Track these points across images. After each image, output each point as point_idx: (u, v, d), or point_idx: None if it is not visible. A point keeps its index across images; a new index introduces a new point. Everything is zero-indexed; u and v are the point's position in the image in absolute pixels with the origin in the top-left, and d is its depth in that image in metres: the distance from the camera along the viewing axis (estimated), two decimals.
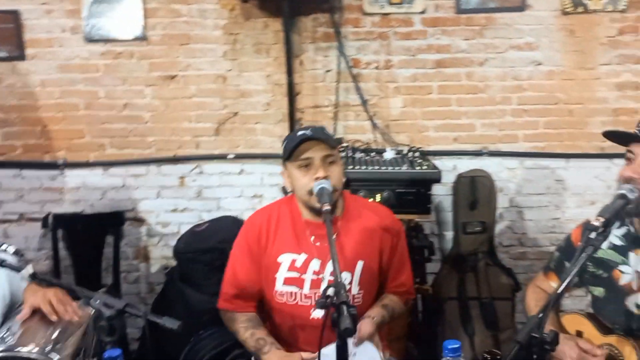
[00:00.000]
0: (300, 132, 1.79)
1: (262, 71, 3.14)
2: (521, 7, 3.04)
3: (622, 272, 1.61)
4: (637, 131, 1.50)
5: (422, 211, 2.63)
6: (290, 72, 3.04)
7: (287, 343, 1.86)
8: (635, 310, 1.56)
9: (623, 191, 1.45)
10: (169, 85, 3.16)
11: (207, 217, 3.18)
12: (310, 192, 1.73)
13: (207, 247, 2.77)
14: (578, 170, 3.21)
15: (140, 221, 3.27)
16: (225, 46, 3.13)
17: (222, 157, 3.21)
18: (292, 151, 1.77)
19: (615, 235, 1.63)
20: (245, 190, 3.25)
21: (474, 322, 2.95)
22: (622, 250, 1.62)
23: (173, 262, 3.02)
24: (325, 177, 1.72)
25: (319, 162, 1.75)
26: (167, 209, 3.27)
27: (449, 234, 3.17)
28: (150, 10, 3.09)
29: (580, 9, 3.01)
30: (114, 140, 3.20)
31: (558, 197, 3.25)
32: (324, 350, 1.36)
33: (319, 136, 1.75)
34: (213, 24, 3.12)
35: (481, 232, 3.02)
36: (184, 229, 3.10)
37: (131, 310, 1.40)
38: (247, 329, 1.84)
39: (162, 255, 3.30)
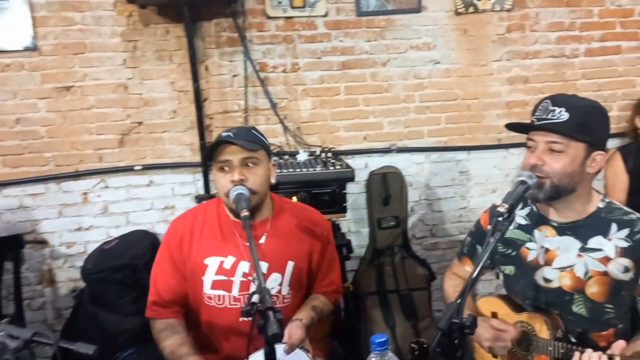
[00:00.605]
0: (224, 133, 1.76)
1: (165, 78, 3.03)
2: (417, 9, 3.17)
3: (528, 249, 1.71)
4: (534, 120, 1.60)
5: (339, 210, 2.67)
6: (195, 78, 2.96)
7: (216, 348, 1.82)
8: (542, 283, 1.67)
9: (523, 178, 1.54)
10: (65, 97, 2.98)
11: (115, 233, 3.03)
12: (227, 195, 1.70)
13: (118, 264, 2.65)
14: (478, 161, 3.40)
15: (41, 243, 3.05)
16: (125, 54, 2.99)
17: (128, 170, 3.08)
18: (210, 153, 1.75)
19: (520, 216, 1.73)
20: (155, 203, 3.13)
21: (394, 315, 3.04)
22: (527, 229, 1.72)
23: (82, 284, 2.85)
24: (240, 180, 1.69)
25: (238, 165, 1.73)
26: (70, 228, 3.07)
27: (365, 231, 3.24)
28: (40, 19, 2.88)
29: (471, 9, 3.19)
30: (7, 158, 2.96)
31: (463, 188, 3.42)
32: (252, 357, 1.33)
33: (235, 140, 1.72)
34: (110, 32, 2.97)
35: (395, 227, 3.11)
36: (92, 247, 2.95)
37: (40, 339, 1.30)
38: (164, 338, 1.78)
39: (68, 277, 3.10)
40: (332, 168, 2.68)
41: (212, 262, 1.80)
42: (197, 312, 1.85)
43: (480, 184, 3.42)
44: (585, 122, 1.54)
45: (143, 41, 2.99)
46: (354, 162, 3.14)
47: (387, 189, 3.10)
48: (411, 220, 3.35)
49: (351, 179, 2.67)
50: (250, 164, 1.74)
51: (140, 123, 3.06)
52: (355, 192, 3.25)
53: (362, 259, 3.18)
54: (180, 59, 3.02)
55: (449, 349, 1.21)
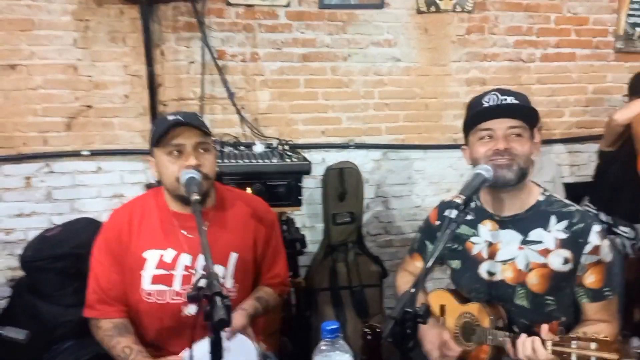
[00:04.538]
0: (171, 117, 1.66)
1: (118, 61, 2.91)
2: (380, 5, 3.16)
3: (473, 243, 1.73)
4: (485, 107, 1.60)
5: (294, 203, 2.62)
6: (150, 62, 2.86)
7: (159, 346, 1.73)
8: (486, 276, 1.69)
9: (480, 171, 1.55)
10: (10, 75, 2.82)
11: (59, 221, 2.89)
12: (179, 181, 1.61)
13: (60, 253, 2.52)
14: (434, 160, 3.42)
15: None
16: (75, 33, 2.86)
17: (75, 155, 2.94)
18: (161, 136, 1.63)
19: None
20: (102, 190, 3.01)
21: (346, 311, 3.02)
22: (472, 224, 1.73)
23: (20, 273, 2.70)
24: (196, 166, 1.62)
25: (191, 149, 1.64)
26: (10, 214, 2.92)
27: (320, 226, 3.20)
28: None
29: (432, 9, 3.21)
30: None
31: (418, 186, 3.44)
32: (196, 346, 1.26)
33: (192, 122, 1.64)
34: (61, 9, 2.83)
35: (350, 223, 3.09)
36: (32, 235, 2.79)
37: None
38: (111, 337, 1.67)
39: (6, 266, 2.94)
40: (288, 160, 2.63)
41: (151, 256, 1.70)
42: (136, 310, 1.75)
43: (435, 183, 3.45)
44: (530, 108, 1.61)
45: (95, 21, 2.86)
46: (311, 156, 3.10)
47: (343, 184, 3.07)
48: (366, 217, 3.34)
49: (307, 171, 2.63)
50: (202, 149, 1.67)
51: (89, 107, 2.93)
52: (311, 187, 3.22)
53: (315, 255, 3.15)
54: (134, 42, 2.90)
55: (401, 338, 1.18)
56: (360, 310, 3.05)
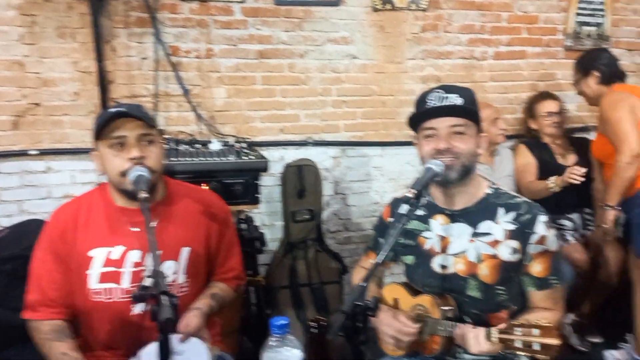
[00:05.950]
0: (113, 109, 1.61)
1: (67, 57, 2.82)
2: (336, 2, 3.16)
3: (425, 238, 1.75)
4: (429, 106, 1.62)
5: (251, 201, 2.60)
6: (100, 58, 2.79)
7: (107, 346, 1.68)
8: (439, 270, 1.71)
9: (431, 165, 1.57)
10: None
11: (6, 222, 2.78)
12: (123, 174, 1.57)
13: (8, 255, 2.42)
14: (392, 157, 3.45)
15: None
16: (22, 29, 2.76)
17: (22, 154, 2.84)
18: (102, 128, 1.58)
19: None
20: (53, 191, 2.91)
21: (306, 308, 3.02)
22: (424, 219, 1.75)
23: None
24: (140, 158, 1.58)
25: (134, 141, 1.60)
26: None
27: (279, 224, 3.19)
28: None
29: (388, 6, 3.23)
30: None
31: (376, 183, 3.46)
32: (145, 350, 1.23)
33: (134, 113, 1.60)
34: (5, 4, 2.73)
35: (309, 220, 3.09)
36: None
37: None
38: (49, 341, 1.62)
39: None
40: (245, 158, 2.61)
41: (98, 254, 1.66)
42: (83, 311, 1.70)
43: (394, 180, 3.47)
44: (474, 105, 1.65)
45: (43, 16, 2.77)
46: (269, 153, 3.08)
47: (302, 181, 3.07)
48: (325, 214, 3.34)
49: (264, 169, 2.61)
50: (146, 142, 1.63)
51: (37, 104, 2.83)
52: (270, 185, 3.20)
53: (275, 253, 3.13)
54: (84, 38, 2.82)
55: (352, 332, 1.18)
56: (321, 307, 3.05)
